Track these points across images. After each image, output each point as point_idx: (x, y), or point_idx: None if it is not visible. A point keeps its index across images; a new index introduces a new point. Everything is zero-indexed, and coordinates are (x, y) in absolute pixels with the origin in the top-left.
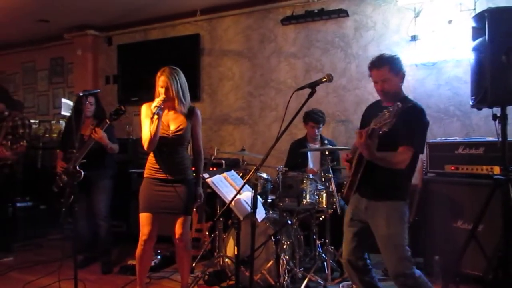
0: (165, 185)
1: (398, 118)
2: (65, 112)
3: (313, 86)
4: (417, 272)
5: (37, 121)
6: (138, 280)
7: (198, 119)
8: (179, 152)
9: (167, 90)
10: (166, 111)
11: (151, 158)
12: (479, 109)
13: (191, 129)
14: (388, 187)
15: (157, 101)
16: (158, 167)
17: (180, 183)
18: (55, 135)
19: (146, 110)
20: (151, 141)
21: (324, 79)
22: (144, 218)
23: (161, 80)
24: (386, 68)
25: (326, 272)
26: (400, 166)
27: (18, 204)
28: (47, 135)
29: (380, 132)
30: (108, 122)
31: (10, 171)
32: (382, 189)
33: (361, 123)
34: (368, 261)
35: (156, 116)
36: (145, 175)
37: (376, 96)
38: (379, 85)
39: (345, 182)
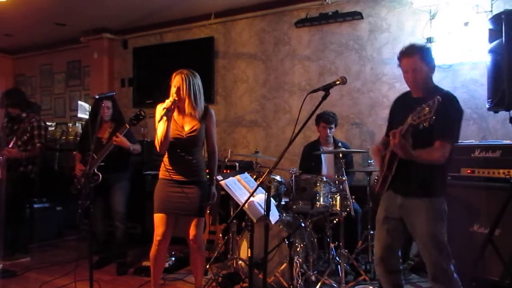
0: (179, 186)
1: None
2: (81, 115)
3: (326, 88)
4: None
5: (54, 124)
6: (153, 281)
7: (212, 119)
8: (193, 153)
9: (178, 90)
10: (180, 113)
11: (165, 159)
12: (496, 112)
13: (205, 129)
14: (425, 183)
15: (166, 103)
16: (172, 168)
17: (194, 185)
18: (72, 137)
19: (158, 112)
20: (161, 143)
21: (338, 82)
22: (158, 219)
23: (175, 80)
24: (417, 56)
25: (340, 275)
26: (439, 161)
27: (35, 205)
28: (64, 137)
29: (421, 127)
30: (127, 127)
31: (25, 170)
32: (419, 186)
33: (390, 117)
34: (400, 260)
35: (165, 118)
36: (160, 176)
37: (390, 99)
38: (410, 75)
39: (376, 178)
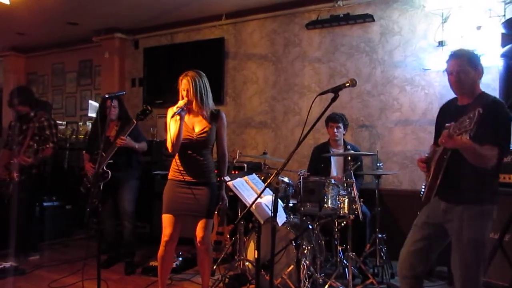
0: (188, 187)
1: (480, 116)
2: (92, 114)
3: (336, 90)
4: None
5: (65, 123)
6: (160, 281)
7: (223, 122)
8: (203, 155)
9: (187, 92)
10: (191, 115)
11: (175, 160)
12: None
13: (216, 132)
14: (472, 190)
15: (180, 103)
16: (182, 169)
17: (203, 186)
18: (82, 136)
19: (171, 114)
20: (174, 143)
21: (348, 84)
22: (166, 219)
23: (183, 83)
24: (465, 58)
25: (347, 278)
26: (488, 162)
27: (45, 204)
28: (74, 136)
29: None
30: (135, 122)
31: (38, 172)
32: (465, 193)
33: (436, 126)
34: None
35: (178, 117)
36: (169, 177)
37: (401, 102)
38: (454, 76)
39: (423, 186)
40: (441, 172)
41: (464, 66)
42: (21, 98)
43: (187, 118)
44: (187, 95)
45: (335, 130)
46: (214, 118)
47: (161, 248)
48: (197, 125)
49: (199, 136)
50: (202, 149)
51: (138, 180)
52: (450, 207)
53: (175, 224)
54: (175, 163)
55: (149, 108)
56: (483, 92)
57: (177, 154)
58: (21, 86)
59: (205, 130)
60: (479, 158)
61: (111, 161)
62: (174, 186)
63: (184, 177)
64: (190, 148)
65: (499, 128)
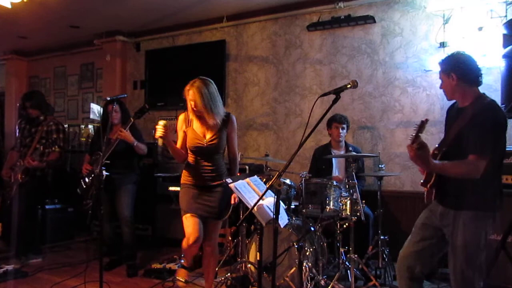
0: (200, 191)
1: (469, 123)
2: (94, 117)
3: (337, 92)
4: None
5: (67, 125)
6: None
7: (233, 126)
8: (214, 160)
9: (195, 104)
10: (201, 122)
11: (187, 165)
12: (509, 117)
13: (227, 136)
14: (465, 196)
15: (160, 127)
16: (194, 174)
17: (215, 189)
18: (84, 139)
19: (179, 122)
20: (177, 158)
21: (349, 85)
22: (187, 219)
23: (189, 94)
24: (441, 68)
25: (350, 280)
26: (471, 176)
27: (47, 206)
28: (76, 139)
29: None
30: (132, 120)
31: (42, 174)
32: (459, 198)
33: (445, 128)
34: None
35: (160, 140)
36: (181, 182)
37: (402, 103)
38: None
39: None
40: (432, 178)
41: (442, 77)
42: (33, 102)
43: (197, 125)
44: (195, 106)
45: (340, 130)
46: (224, 122)
47: (185, 246)
48: (208, 132)
49: (209, 143)
50: (214, 155)
51: (135, 185)
52: (446, 212)
53: (197, 223)
54: (187, 168)
55: (147, 106)
56: (481, 95)
57: (188, 160)
58: (33, 90)
59: (215, 136)
60: (456, 175)
61: (108, 161)
62: (188, 189)
63: (196, 181)
64: (201, 155)
65: (486, 135)
